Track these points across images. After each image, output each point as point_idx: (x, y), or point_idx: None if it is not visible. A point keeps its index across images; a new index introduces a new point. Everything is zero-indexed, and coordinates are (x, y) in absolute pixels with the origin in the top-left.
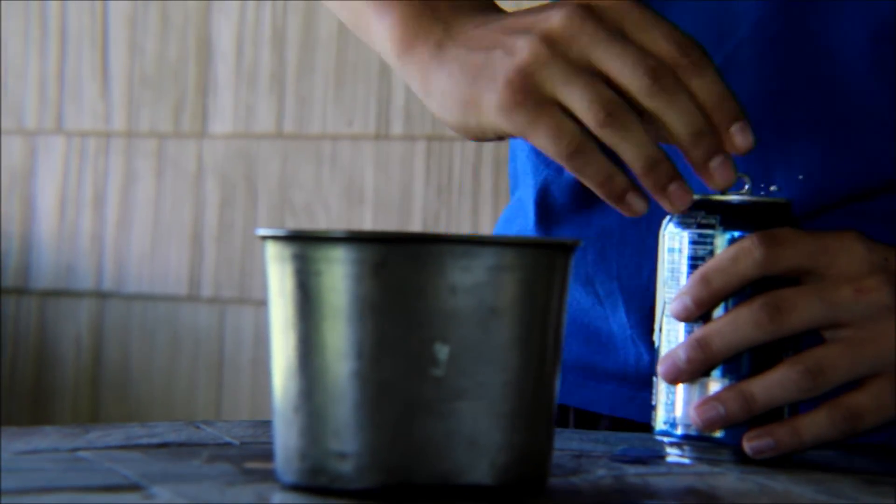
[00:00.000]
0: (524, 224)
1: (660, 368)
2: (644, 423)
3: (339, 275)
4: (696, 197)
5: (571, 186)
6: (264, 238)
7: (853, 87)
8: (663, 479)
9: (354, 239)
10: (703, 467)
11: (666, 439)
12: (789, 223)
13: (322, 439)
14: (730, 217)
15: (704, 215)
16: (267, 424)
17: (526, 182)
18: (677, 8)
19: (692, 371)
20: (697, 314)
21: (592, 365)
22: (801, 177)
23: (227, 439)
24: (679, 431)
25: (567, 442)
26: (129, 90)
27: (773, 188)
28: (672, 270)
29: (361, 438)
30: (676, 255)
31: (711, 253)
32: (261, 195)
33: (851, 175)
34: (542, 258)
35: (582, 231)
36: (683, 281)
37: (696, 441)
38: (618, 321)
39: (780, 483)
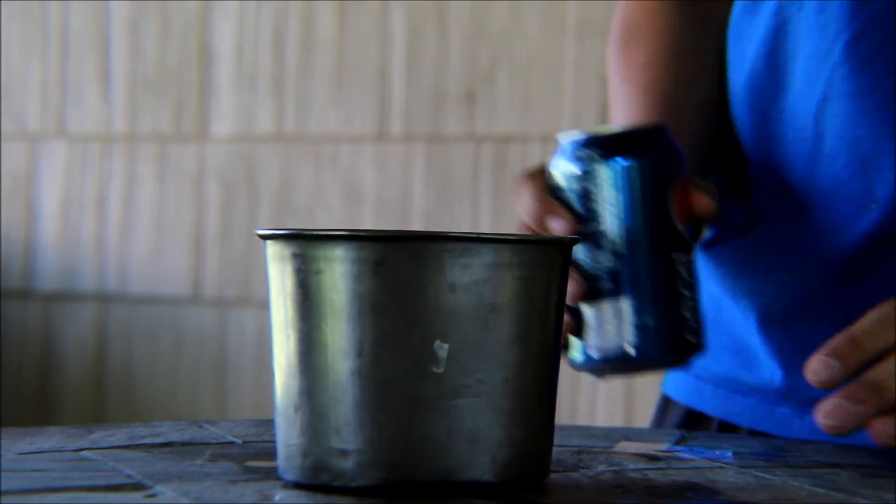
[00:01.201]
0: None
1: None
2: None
3: (338, 273)
4: (578, 132)
5: (743, 226)
6: (264, 237)
7: None
8: (663, 474)
9: (354, 238)
10: (703, 462)
11: (586, 366)
12: (667, 146)
13: (323, 437)
14: (610, 147)
15: (585, 148)
16: (269, 423)
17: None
18: (787, 35)
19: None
20: (842, 379)
21: (738, 378)
22: (893, 192)
23: (230, 438)
24: (596, 356)
25: (567, 438)
26: (130, 93)
27: (872, 205)
28: (559, 202)
29: (362, 436)
30: (563, 189)
31: (595, 184)
32: (262, 197)
33: None
34: (539, 255)
35: (733, 249)
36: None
37: (613, 363)
38: (755, 337)
39: (778, 477)
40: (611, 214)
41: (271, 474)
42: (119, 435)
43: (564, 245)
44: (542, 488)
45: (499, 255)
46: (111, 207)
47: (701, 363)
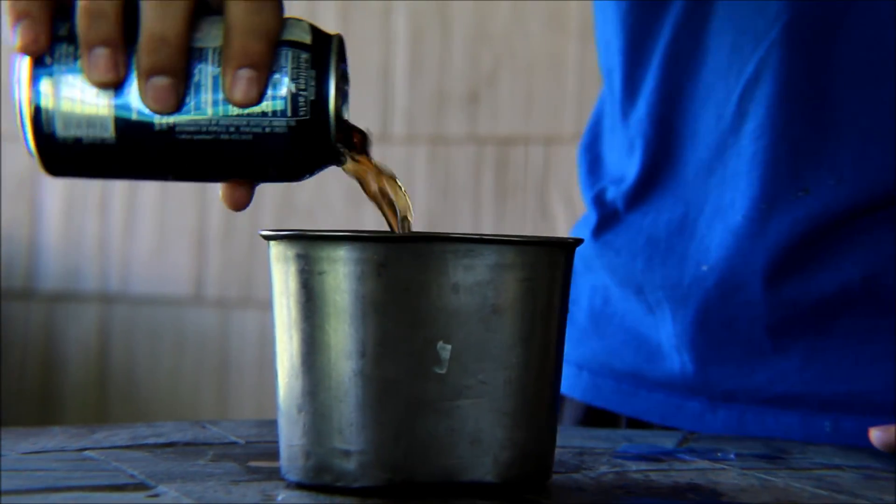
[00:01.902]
0: (583, 230)
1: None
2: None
3: (342, 274)
4: None
5: (623, 197)
6: (267, 238)
7: (888, 87)
8: (665, 476)
9: (357, 239)
10: (705, 463)
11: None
12: None
13: (326, 438)
14: None
15: None
16: (271, 424)
17: (586, 191)
18: (713, 9)
19: None
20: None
21: (643, 374)
22: (831, 182)
23: (232, 438)
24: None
25: (569, 439)
26: None
27: (800, 193)
28: None
29: (365, 436)
30: None
31: None
32: (264, 197)
33: (886, 178)
34: (543, 256)
35: (633, 240)
36: None
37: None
38: (665, 330)
39: (780, 479)
40: None
41: (274, 475)
42: (122, 435)
43: (568, 246)
44: (545, 489)
45: (502, 257)
46: (114, 208)
47: (595, 358)
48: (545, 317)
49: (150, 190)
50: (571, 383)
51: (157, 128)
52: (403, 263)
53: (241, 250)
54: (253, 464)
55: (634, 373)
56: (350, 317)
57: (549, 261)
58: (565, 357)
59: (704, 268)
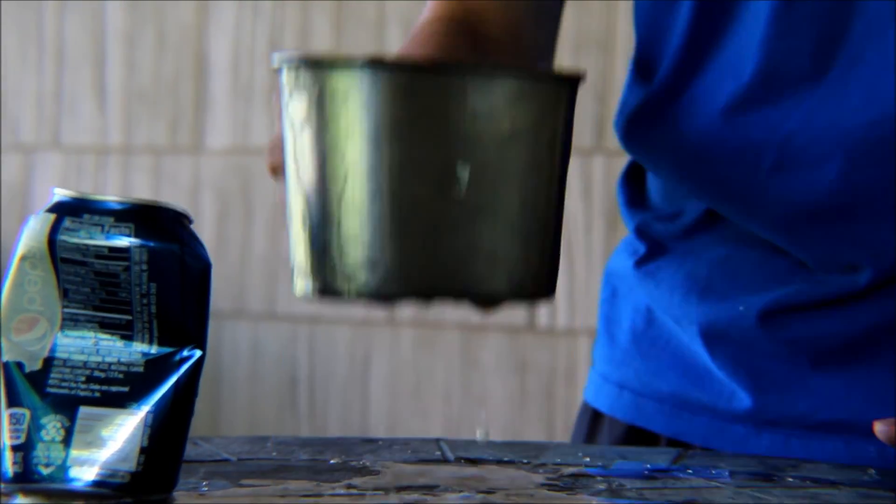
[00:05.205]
0: (625, 256)
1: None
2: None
3: (360, 100)
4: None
5: (673, 235)
6: (281, 67)
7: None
8: (659, 494)
9: (376, 64)
10: (700, 482)
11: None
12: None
13: (352, 249)
14: (144, 225)
15: (114, 223)
16: (263, 440)
17: (627, 220)
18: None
19: None
20: None
21: (687, 396)
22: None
23: (225, 455)
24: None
25: (564, 456)
26: (125, 106)
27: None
28: (75, 285)
29: (390, 249)
30: (81, 270)
31: (128, 270)
32: (257, 209)
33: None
34: (552, 89)
35: (674, 274)
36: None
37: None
38: (704, 356)
39: (775, 497)
40: (142, 305)
41: (264, 495)
42: None
43: (574, 81)
44: (552, 298)
45: (516, 87)
46: None
47: (638, 379)
48: (553, 144)
49: None
50: (612, 403)
51: None
52: (422, 90)
53: (233, 263)
54: (245, 481)
55: (679, 394)
56: (369, 140)
57: (557, 93)
58: (606, 376)
59: (741, 308)
